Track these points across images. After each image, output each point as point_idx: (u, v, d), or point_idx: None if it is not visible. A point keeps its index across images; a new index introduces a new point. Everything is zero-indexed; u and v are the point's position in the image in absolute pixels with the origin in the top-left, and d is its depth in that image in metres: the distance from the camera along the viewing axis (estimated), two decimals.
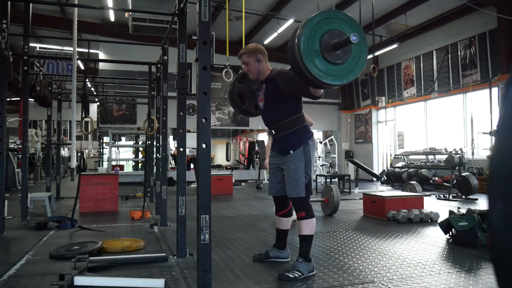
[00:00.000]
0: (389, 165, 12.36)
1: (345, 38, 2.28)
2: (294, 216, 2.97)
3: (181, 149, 3.53)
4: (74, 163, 5.72)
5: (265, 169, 5.12)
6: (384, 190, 9.31)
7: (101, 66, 12.64)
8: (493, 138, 0.73)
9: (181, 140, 3.55)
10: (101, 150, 19.73)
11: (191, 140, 6.14)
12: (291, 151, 2.84)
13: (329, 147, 13.30)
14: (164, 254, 3.27)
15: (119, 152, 21.52)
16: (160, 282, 2.58)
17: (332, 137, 13.92)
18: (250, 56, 2.96)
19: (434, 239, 3.99)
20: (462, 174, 7.87)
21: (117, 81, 11.17)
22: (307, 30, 2.31)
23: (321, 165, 12.39)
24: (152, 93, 6.61)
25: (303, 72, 2.32)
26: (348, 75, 2.43)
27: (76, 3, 4.58)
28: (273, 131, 2.98)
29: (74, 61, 4.17)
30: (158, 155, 6.25)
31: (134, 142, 17.37)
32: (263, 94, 2.98)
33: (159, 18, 5.38)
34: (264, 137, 16.86)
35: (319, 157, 12.74)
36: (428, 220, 4.98)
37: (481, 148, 9.35)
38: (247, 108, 3.36)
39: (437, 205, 6.60)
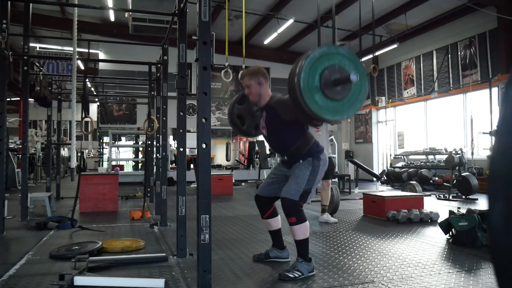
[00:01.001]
0: (389, 165, 12.36)
1: (345, 77, 2.30)
2: None
3: (181, 149, 3.53)
4: (74, 163, 5.72)
5: None
6: (384, 190, 9.31)
7: (101, 66, 12.64)
8: (493, 138, 0.73)
9: (181, 140, 3.55)
10: (101, 150, 19.72)
11: (191, 140, 6.14)
12: (301, 161, 2.84)
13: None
14: (164, 254, 3.27)
15: (119, 152, 21.51)
16: (160, 282, 2.58)
17: (332, 137, 13.91)
18: (252, 79, 2.94)
19: (434, 239, 3.99)
20: (462, 174, 7.87)
21: (117, 81, 11.18)
22: (307, 66, 2.33)
23: None
24: (152, 93, 6.61)
25: (303, 108, 2.34)
26: (348, 111, 2.45)
27: (76, 3, 4.58)
28: (285, 157, 2.98)
29: (74, 61, 4.17)
30: (158, 155, 6.25)
31: (134, 142, 17.36)
32: (264, 123, 2.97)
33: (159, 18, 5.38)
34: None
35: None
36: (428, 220, 4.98)
37: (481, 148, 9.35)
38: (246, 129, 3.35)
39: (437, 205, 6.60)
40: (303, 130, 2.87)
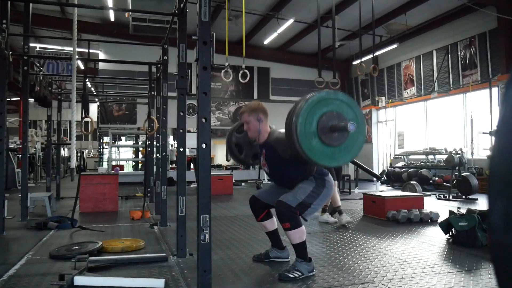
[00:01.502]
0: (389, 165, 12.36)
1: (343, 125, 2.31)
2: None
3: (181, 149, 3.53)
4: (74, 163, 5.71)
5: None
6: (384, 190, 9.31)
7: (101, 66, 12.65)
8: (493, 138, 0.73)
9: (181, 140, 3.55)
10: (101, 150, 19.72)
11: (191, 140, 6.13)
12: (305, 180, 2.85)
13: None
14: (164, 254, 3.27)
15: (119, 152, 21.51)
16: (160, 282, 2.58)
17: None
18: (251, 115, 2.92)
19: (434, 239, 3.99)
20: (462, 174, 7.87)
21: (117, 81, 11.18)
22: (304, 111, 2.34)
23: None
24: (152, 93, 6.61)
25: (299, 153, 2.36)
26: (345, 157, 2.46)
27: (76, 3, 4.58)
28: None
29: (74, 61, 4.17)
30: (158, 155, 6.25)
31: (134, 142, 17.36)
32: (265, 160, 2.97)
33: (159, 18, 5.38)
34: None
35: None
36: (428, 220, 4.98)
37: (481, 148, 9.35)
38: (244, 158, 3.36)
39: (437, 205, 6.60)
40: (305, 165, 2.82)
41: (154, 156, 6.84)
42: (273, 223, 3.14)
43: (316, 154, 2.36)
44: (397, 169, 11.01)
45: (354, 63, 12.58)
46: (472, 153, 9.34)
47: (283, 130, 2.69)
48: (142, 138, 15.59)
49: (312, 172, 2.86)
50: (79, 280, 2.53)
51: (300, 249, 2.78)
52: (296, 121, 2.32)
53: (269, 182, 3.30)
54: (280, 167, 2.89)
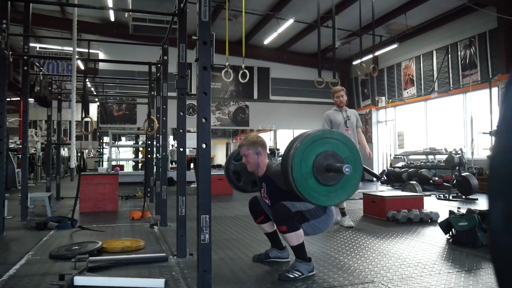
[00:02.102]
0: (389, 165, 12.36)
1: (338, 167, 2.32)
2: None
3: (181, 149, 3.53)
4: (74, 163, 5.72)
5: None
6: (384, 190, 9.31)
7: (101, 66, 12.64)
8: (493, 138, 0.73)
9: (181, 140, 3.55)
10: (101, 150, 19.73)
11: (191, 140, 6.14)
12: None
13: None
14: (164, 254, 3.27)
15: (119, 152, 21.52)
16: (160, 282, 2.58)
17: None
18: (250, 148, 2.94)
19: (434, 239, 3.99)
20: (462, 174, 7.87)
21: (117, 81, 11.18)
22: (300, 151, 2.35)
23: None
24: (152, 93, 6.61)
25: (296, 193, 2.38)
26: (341, 196, 2.48)
27: (76, 3, 4.59)
28: None
29: (74, 61, 4.17)
30: (158, 155, 6.25)
31: (134, 142, 17.36)
32: (266, 194, 2.98)
33: (159, 18, 5.37)
34: (264, 136, 16.83)
35: None
36: (428, 220, 4.98)
37: (481, 148, 9.35)
38: (243, 186, 3.38)
39: (437, 205, 6.60)
40: None
41: (154, 156, 6.84)
42: (272, 225, 3.14)
43: (312, 194, 2.38)
44: (397, 169, 11.02)
45: (354, 63, 12.58)
46: (472, 153, 9.34)
47: (279, 162, 2.71)
48: (142, 138, 15.60)
49: None
50: (79, 280, 2.53)
51: (299, 250, 2.77)
52: (292, 161, 2.34)
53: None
54: (281, 199, 2.83)
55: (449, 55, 10.87)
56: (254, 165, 2.96)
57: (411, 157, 11.47)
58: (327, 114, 4.99)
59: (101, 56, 12.58)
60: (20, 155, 9.22)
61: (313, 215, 2.76)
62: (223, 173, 3.47)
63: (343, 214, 4.86)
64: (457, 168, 8.18)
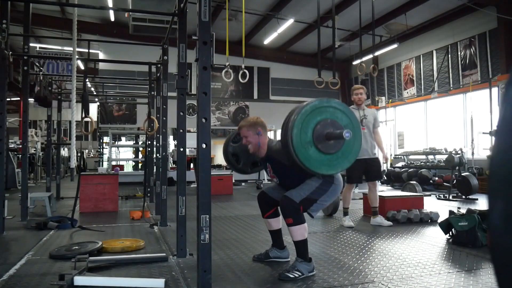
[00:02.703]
0: (389, 165, 12.36)
1: (338, 134, 2.31)
2: None
3: (181, 149, 3.53)
4: (74, 163, 5.71)
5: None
6: (384, 190, 9.31)
7: (101, 66, 12.65)
8: (493, 138, 0.73)
9: (181, 140, 3.55)
10: (101, 150, 19.72)
11: (191, 140, 6.14)
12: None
13: None
14: (164, 254, 3.27)
15: (119, 152, 21.52)
16: (160, 282, 2.58)
17: None
18: (250, 129, 2.94)
19: (434, 239, 3.99)
20: (462, 174, 7.87)
21: (117, 81, 11.18)
22: (299, 121, 2.34)
23: None
24: (152, 93, 6.61)
25: (297, 163, 2.36)
26: (343, 163, 2.46)
27: (76, 3, 4.59)
28: None
29: (74, 61, 4.17)
30: (158, 155, 6.25)
31: (134, 142, 17.36)
32: (273, 173, 2.99)
33: (159, 18, 5.38)
34: None
35: None
36: (428, 220, 4.98)
37: (481, 148, 9.35)
38: (243, 167, 3.37)
39: (437, 205, 6.60)
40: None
41: (154, 156, 6.84)
42: (278, 222, 3.15)
43: (314, 163, 2.37)
44: (397, 169, 11.01)
45: (354, 63, 12.58)
46: (472, 153, 9.34)
47: (279, 139, 2.71)
48: (142, 138, 15.60)
49: None
50: (79, 280, 2.53)
51: (301, 247, 2.78)
52: (291, 132, 2.33)
53: (270, 182, 3.28)
54: (289, 175, 2.88)
55: (449, 55, 10.87)
56: (255, 146, 2.95)
57: (411, 157, 11.47)
58: None
59: (101, 56, 12.58)
60: (20, 155, 9.21)
61: (320, 192, 2.77)
62: (223, 156, 3.43)
63: (345, 213, 4.86)
64: (457, 168, 8.18)
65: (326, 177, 2.81)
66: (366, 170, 4.79)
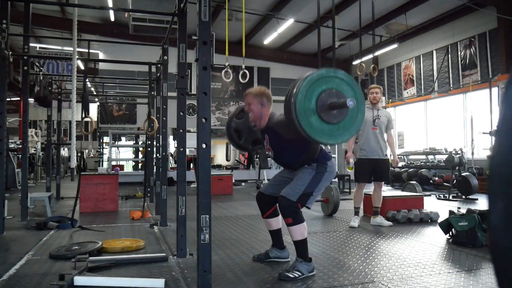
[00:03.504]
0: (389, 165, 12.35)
1: (342, 102, 2.29)
2: None
3: (181, 149, 3.53)
4: (74, 163, 5.71)
5: (348, 163, 5.05)
6: (384, 190, 9.29)
7: (101, 66, 12.65)
8: (493, 138, 0.73)
9: (181, 140, 3.55)
10: (101, 150, 19.72)
11: (191, 140, 6.12)
12: (306, 166, 2.86)
13: (329, 147, 13.28)
14: (164, 254, 3.27)
15: (119, 152, 21.51)
16: (160, 282, 2.58)
17: None
18: (255, 98, 2.94)
19: (434, 239, 3.99)
20: (462, 174, 7.87)
21: (117, 81, 11.18)
22: (304, 88, 2.32)
23: None
24: (152, 93, 6.61)
25: (298, 130, 2.34)
26: (343, 135, 2.44)
27: (76, 3, 4.59)
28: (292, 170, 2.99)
29: (74, 61, 4.18)
30: (158, 155, 6.25)
31: (134, 142, 17.36)
32: (269, 145, 2.97)
33: (159, 18, 5.38)
34: None
35: None
36: (428, 220, 4.98)
37: (481, 148, 9.35)
38: (244, 144, 3.36)
39: (437, 205, 6.60)
40: (308, 143, 2.83)
41: (154, 156, 6.84)
42: (278, 222, 3.15)
43: (315, 132, 2.33)
44: (397, 169, 11.01)
45: (354, 63, 12.58)
46: (472, 153, 9.34)
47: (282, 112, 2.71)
48: (142, 138, 15.60)
49: (316, 152, 2.86)
50: (79, 280, 2.53)
51: (301, 247, 2.78)
52: (295, 99, 2.29)
53: (269, 181, 3.27)
54: (284, 150, 2.89)
55: (449, 55, 10.87)
56: (256, 115, 2.94)
57: (411, 157, 11.47)
58: None
59: (101, 56, 12.58)
60: (20, 155, 9.22)
61: (314, 185, 2.79)
62: (225, 131, 3.41)
63: (355, 213, 4.86)
64: (457, 168, 8.18)
65: (320, 166, 2.82)
66: (375, 170, 4.79)
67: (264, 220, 3.18)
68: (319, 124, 2.34)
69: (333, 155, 13.76)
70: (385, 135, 4.91)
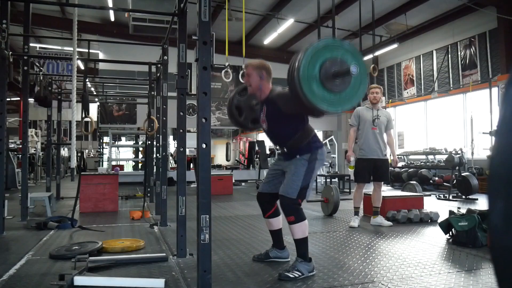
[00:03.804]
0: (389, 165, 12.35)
1: (345, 69, 2.29)
2: None
3: (181, 149, 3.53)
4: (74, 163, 5.70)
5: (348, 162, 5.04)
6: (384, 190, 9.30)
7: (101, 66, 12.65)
8: (493, 138, 0.73)
9: (181, 140, 3.55)
10: (101, 150, 19.73)
11: (191, 140, 6.13)
12: (298, 156, 2.85)
13: (329, 147, 13.31)
14: (164, 254, 3.27)
15: (119, 152, 21.52)
16: (160, 282, 2.58)
17: (332, 137, 13.93)
18: (255, 70, 2.96)
19: (434, 239, 3.99)
20: (462, 174, 7.87)
21: (117, 81, 11.18)
22: (309, 54, 2.32)
23: None
24: (152, 93, 6.61)
25: (299, 95, 2.32)
26: (344, 104, 2.43)
27: (76, 3, 4.59)
28: (284, 149, 2.99)
29: (74, 61, 4.18)
30: (158, 155, 6.25)
31: (134, 142, 17.37)
32: (265, 116, 2.98)
33: (159, 18, 5.39)
34: (264, 136, 16.85)
35: None
36: (428, 220, 4.98)
37: (481, 148, 9.35)
38: (243, 121, 3.36)
39: (437, 205, 6.60)
40: (303, 123, 2.89)
41: (154, 156, 6.84)
42: (279, 221, 3.15)
43: (316, 98, 2.32)
44: (397, 169, 11.01)
45: None
46: (472, 153, 9.34)
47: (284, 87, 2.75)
48: (142, 138, 15.60)
49: (309, 135, 2.88)
50: (79, 280, 2.53)
51: (302, 245, 2.79)
52: (300, 63, 2.29)
53: (264, 179, 3.28)
54: (278, 122, 2.90)
55: (449, 55, 10.87)
56: (255, 87, 2.98)
57: (411, 157, 11.47)
58: (357, 110, 4.95)
59: (101, 56, 12.59)
60: (20, 155, 9.22)
61: (309, 176, 2.82)
62: (227, 107, 3.43)
63: (355, 213, 4.86)
64: (457, 168, 8.18)
65: (312, 157, 2.83)
66: (374, 170, 4.79)
67: (265, 220, 3.18)
68: (321, 91, 2.33)
69: (333, 155, 13.82)
70: (385, 135, 4.91)
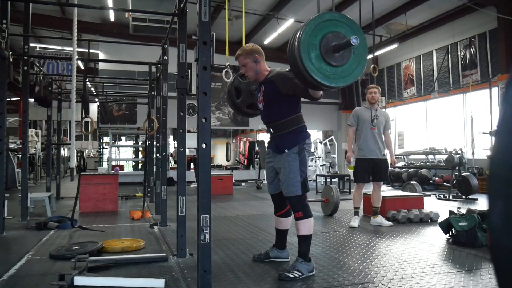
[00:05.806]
0: (389, 165, 12.35)
1: (346, 40, 2.28)
2: None
3: (181, 149, 3.53)
4: (74, 163, 5.71)
5: (348, 163, 5.05)
6: (384, 190, 9.30)
7: (101, 66, 12.65)
8: (493, 138, 0.73)
9: (181, 140, 3.55)
10: (101, 150, 19.73)
11: (191, 140, 6.13)
12: (286, 150, 2.85)
13: (329, 147, 13.31)
14: (164, 254, 3.27)
15: (119, 152, 21.52)
16: (160, 282, 2.58)
17: (332, 137, 13.93)
18: (247, 58, 2.96)
19: (434, 239, 3.99)
20: (462, 174, 7.87)
21: (117, 81, 11.18)
22: (313, 23, 2.31)
23: (321, 165, 12.39)
24: (152, 93, 6.61)
25: (296, 61, 2.28)
26: (339, 81, 2.40)
27: (76, 3, 4.59)
28: (271, 129, 3.00)
29: (74, 61, 4.18)
30: (158, 155, 6.24)
31: (134, 142, 17.36)
32: (262, 96, 2.99)
33: (159, 18, 5.39)
34: (264, 136, 16.85)
35: (319, 157, 12.73)
36: (428, 220, 4.98)
37: (481, 148, 9.35)
38: (240, 104, 3.37)
39: (437, 205, 6.60)
40: (297, 109, 2.93)
41: (154, 156, 6.84)
42: (288, 222, 3.18)
43: (312, 68, 2.30)
44: (397, 169, 11.01)
45: None
46: (472, 153, 9.35)
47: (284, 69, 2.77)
48: (142, 138, 15.60)
49: (300, 122, 2.92)
50: (79, 280, 2.53)
51: (305, 243, 2.81)
52: (303, 30, 2.28)
53: (266, 180, 3.29)
54: (275, 102, 2.91)
55: (449, 55, 10.87)
56: (254, 74, 2.99)
57: (411, 157, 11.47)
58: (355, 110, 4.98)
59: (101, 56, 12.58)
60: (20, 155, 9.22)
61: (304, 167, 2.87)
62: (227, 87, 3.46)
63: (355, 213, 4.86)
64: (457, 168, 8.18)
65: (299, 147, 2.85)
66: (373, 170, 4.79)
67: (276, 218, 3.19)
68: (319, 62, 2.32)
69: (333, 155, 13.80)
70: (383, 136, 4.92)
